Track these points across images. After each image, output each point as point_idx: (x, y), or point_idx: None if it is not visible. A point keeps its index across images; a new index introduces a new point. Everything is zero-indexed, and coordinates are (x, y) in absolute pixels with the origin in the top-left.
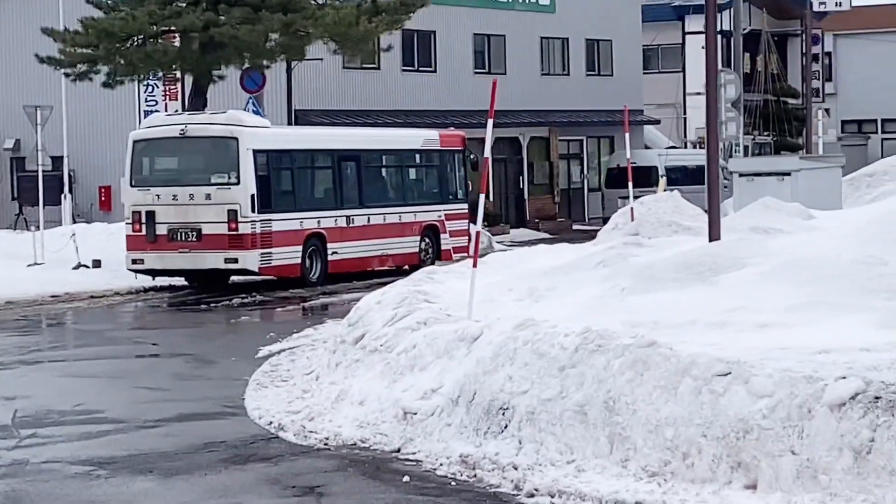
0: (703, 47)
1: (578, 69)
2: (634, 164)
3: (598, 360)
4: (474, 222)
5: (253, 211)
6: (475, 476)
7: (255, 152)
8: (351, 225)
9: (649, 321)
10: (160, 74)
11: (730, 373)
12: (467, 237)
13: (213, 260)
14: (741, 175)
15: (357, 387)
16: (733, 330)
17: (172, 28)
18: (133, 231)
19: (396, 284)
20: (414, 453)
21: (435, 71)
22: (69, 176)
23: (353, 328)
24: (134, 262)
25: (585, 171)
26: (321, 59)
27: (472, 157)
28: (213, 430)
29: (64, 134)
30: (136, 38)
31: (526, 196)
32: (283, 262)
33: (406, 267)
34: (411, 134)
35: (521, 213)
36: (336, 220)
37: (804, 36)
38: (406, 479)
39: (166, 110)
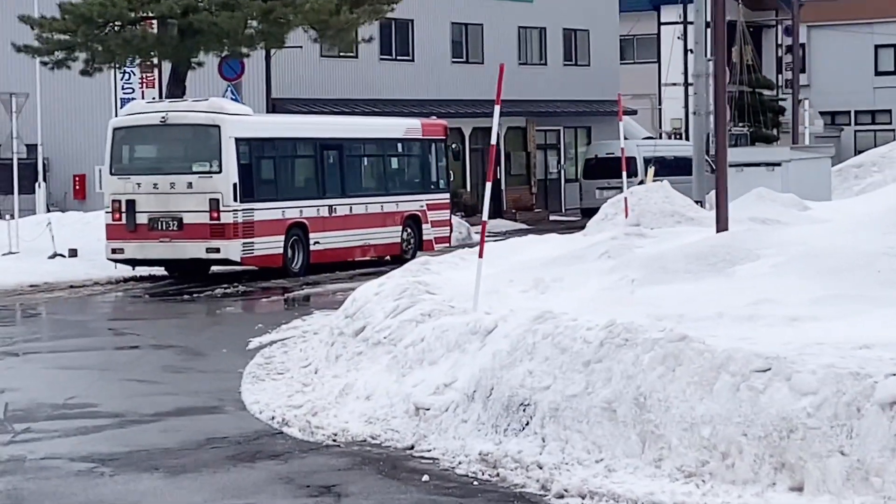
0: (679, 37)
1: (556, 59)
2: (613, 155)
3: (625, 354)
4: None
5: (235, 200)
6: (498, 475)
7: (238, 140)
8: (333, 214)
9: (674, 314)
10: (138, 61)
11: (769, 369)
12: (448, 227)
13: (194, 250)
14: (730, 165)
15: (362, 381)
16: (763, 324)
17: (151, 14)
18: (113, 220)
19: (393, 275)
20: (429, 451)
21: (413, 60)
22: (43, 164)
23: (351, 320)
24: (114, 251)
25: (562, 162)
26: (300, 47)
27: (453, 146)
28: (213, 425)
29: (38, 122)
30: (114, 24)
31: (503, 186)
32: (265, 252)
33: (388, 257)
34: (393, 123)
35: (498, 203)
36: (318, 210)
37: (779, 27)
38: (426, 478)
39: (143, 98)
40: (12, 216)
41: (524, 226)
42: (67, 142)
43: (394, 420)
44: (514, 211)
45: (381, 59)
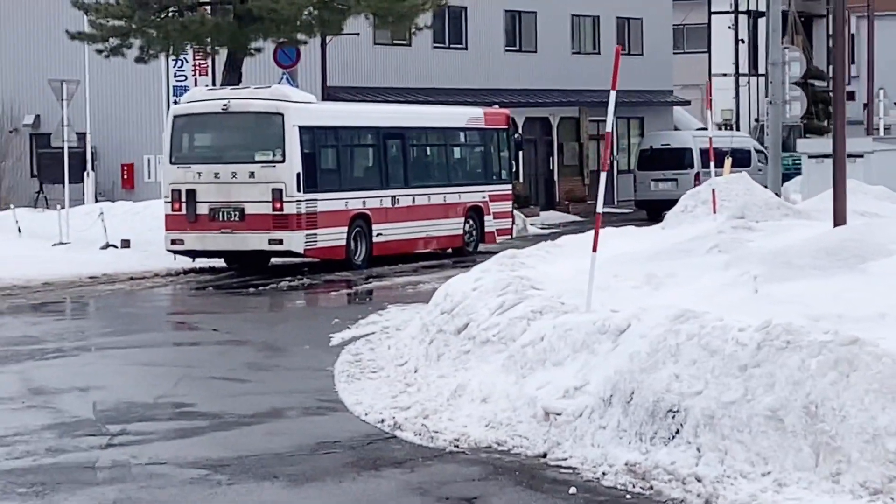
0: (729, 27)
1: (609, 48)
2: (668, 146)
3: (789, 358)
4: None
5: (298, 190)
6: (651, 488)
7: (301, 129)
8: (396, 205)
9: (831, 314)
10: (193, 48)
11: None
12: (511, 219)
13: (256, 241)
14: (810, 157)
15: (476, 381)
16: None
17: None
18: (172, 210)
19: (488, 269)
20: (565, 459)
21: (466, 48)
22: (91, 153)
23: (451, 316)
24: (173, 242)
25: (615, 153)
26: (357, 34)
27: (516, 135)
28: (319, 428)
29: (87, 110)
30: (170, 10)
31: (556, 178)
32: (329, 243)
33: (449, 250)
34: (456, 111)
35: (551, 195)
36: (381, 201)
37: (830, 17)
38: (573, 490)
39: (196, 86)
40: (62, 206)
41: (577, 217)
42: (115, 130)
43: (519, 425)
44: (566, 202)
45: (435, 47)
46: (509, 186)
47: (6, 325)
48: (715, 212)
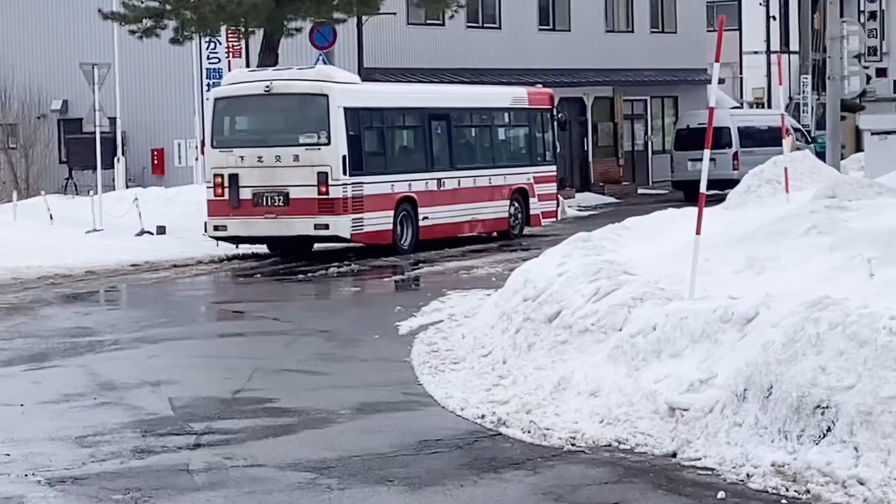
0: (760, 3)
1: (643, 26)
2: (704, 126)
3: None
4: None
5: (344, 173)
6: (808, 492)
7: (346, 110)
8: (442, 188)
9: None
10: (226, 29)
11: None
12: (556, 201)
13: (301, 226)
14: (873, 133)
15: (580, 374)
16: None
17: None
18: (215, 196)
19: (568, 253)
20: (698, 459)
21: (499, 28)
22: (121, 138)
23: (538, 304)
24: (216, 228)
25: (649, 133)
26: (395, 14)
27: (560, 115)
28: (416, 425)
29: (116, 94)
30: None
31: (590, 159)
32: (375, 227)
33: (494, 234)
34: (500, 91)
35: (586, 176)
36: (427, 184)
37: None
38: (721, 495)
39: (229, 68)
40: (94, 192)
41: (613, 199)
42: (145, 115)
43: (640, 422)
44: (601, 184)
45: (468, 26)
46: (554, 168)
47: (56, 316)
48: (788, 191)
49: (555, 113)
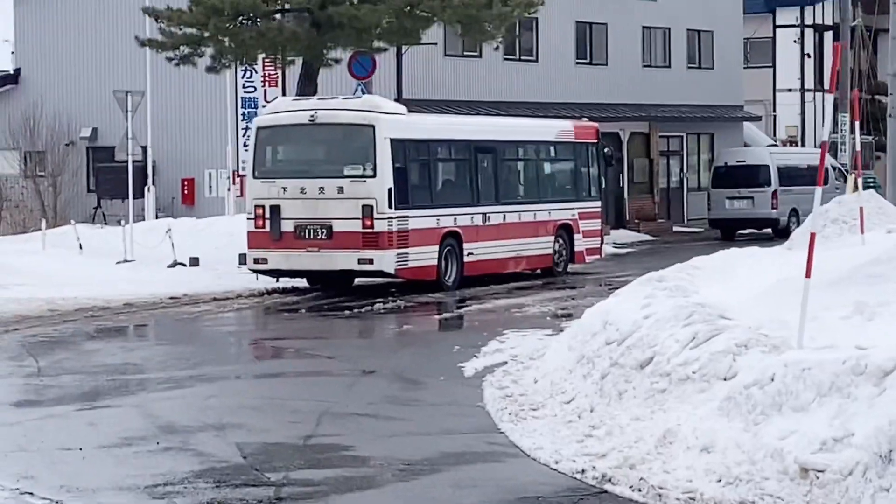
0: (795, 41)
1: (679, 61)
2: (744, 163)
3: None
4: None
5: (390, 207)
6: None
7: (393, 141)
8: (487, 223)
9: None
10: (266, 57)
11: None
12: (600, 238)
13: (344, 260)
14: None
15: (687, 426)
16: None
17: (288, 6)
18: (255, 227)
19: (652, 294)
20: None
21: (537, 60)
22: (152, 167)
23: (626, 348)
24: (256, 261)
25: (685, 170)
26: (435, 44)
27: (606, 150)
28: (509, 478)
29: (147, 123)
30: (246, 17)
31: (626, 195)
32: (420, 263)
33: (538, 270)
34: (546, 124)
35: (621, 213)
36: (472, 218)
37: None
38: None
39: (265, 98)
40: (125, 222)
41: (648, 237)
42: (175, 144)
43: (766, 482)
44: (636, 221)
45: (506, 59)
46: (599, 204)
47: (101, 351)
48: (863, 232)
49: (600, 147)
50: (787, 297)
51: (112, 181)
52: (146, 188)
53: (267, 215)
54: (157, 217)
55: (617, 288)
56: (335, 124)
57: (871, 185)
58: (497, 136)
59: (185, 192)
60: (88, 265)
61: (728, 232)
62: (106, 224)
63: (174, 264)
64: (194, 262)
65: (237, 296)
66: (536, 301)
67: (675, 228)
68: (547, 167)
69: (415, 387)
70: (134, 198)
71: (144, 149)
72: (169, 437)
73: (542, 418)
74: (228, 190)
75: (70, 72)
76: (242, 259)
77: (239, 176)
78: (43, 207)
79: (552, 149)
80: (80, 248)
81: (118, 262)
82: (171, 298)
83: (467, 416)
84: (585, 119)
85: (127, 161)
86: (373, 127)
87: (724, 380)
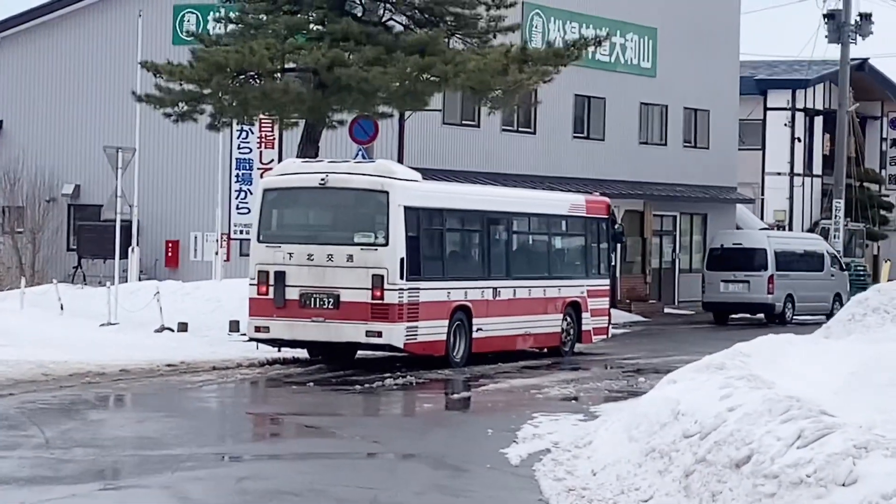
0: (786, 124)
1: (676, 139)
2: (741, 246)
3: None
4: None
5: (402, 277)
6: None
7: (406, 209)
8: (497, 298)
9: None
10: (259, 119)
11: None
12: (607, 318)
13: (352, 332)
14: None
15: None
16: None
17: (296, 65)
18: (258, 294)
19: (731, 384)
20: None
21: (534, 132)
22: (137, 227)
23: (715, 444)
24: (257, 329)
25: (677, 250)
26: (440, 110)
27: (616, 226)
28: None
29: (135, 181)
30: (250, 76)
31: (618, 274)
32: (429, 338)
33: (545, 350)
34: (558, 197)
35: (612, 292)
36: (483, 292)
37: (885, 119)
38: None
39: (261, 160)
40: (111, 283)
41: (640, 317)
42: (161, 204)
43: None
44: (628, 301)
45: (503, 129)
46: (607, 281)
47: (109, 422)
48: None
49: (611, 223)
50: (884, 393)
51: (94, 240)
52: (130, 249)
53: (271, 282)
54: (139, 279)
55: (627, 371)
56: (347, 189)
57: (861, 273)
58: (510, 207)
59: (170, 254)
60: (71, 327)
61: (721, 316)
62: (86, 284)
63: (161, 329)
64: (182, 327)
65: (237, 365)
66: (553, 382)
67: (667, 310)
68: (558, 242)
69: (461, 475)
70: (119, 258)
71: (131, 208)
72: None
73: None
74: (216, 254)
75: (54, 126)
76: (234, 326)
77: (230, 239)
78: (21, 265)
79: (564, 223)
80: (62, 308)
81: (101, 325)
82: (169, 366)
83: None
84: (597, 193)
85: (114, 220)
86: (387, 193)
87: (843, 485)
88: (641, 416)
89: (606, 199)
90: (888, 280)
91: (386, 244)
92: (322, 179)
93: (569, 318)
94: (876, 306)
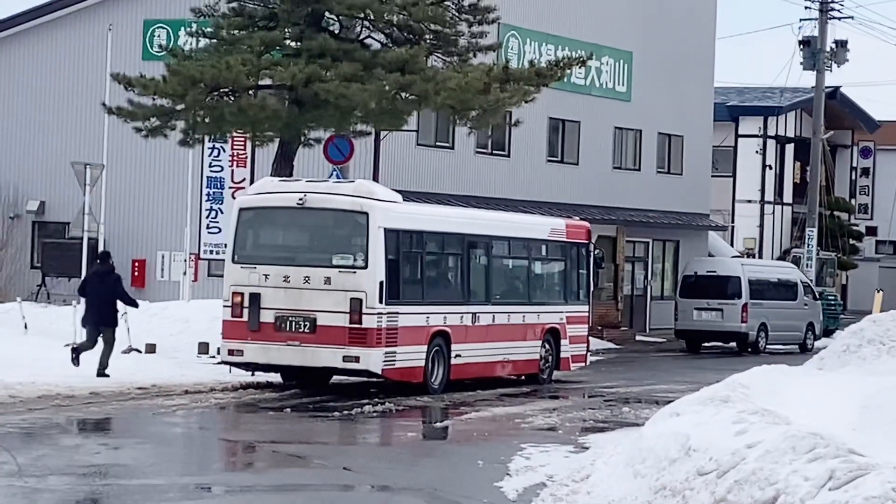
0: (757, 151)
1: (650, 165)
2: (715, 273)
3: None
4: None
5: (380, 301)
6: None
7: (387, 231)
8: (476, 323)
9: None
10: (231, 136)
11: None
12: (586, 345)
13: (328, 357)
14: None
15: None
16: None
17: (272, 81)
18: (232, 316)
19: (748, 420)
20: None
21: (508, 155)
22: (104, 245)
23: (735, 483)
24: (231, 352)
25: (649, 277)
26: (416, 131)
27: (596, 252)
28: None
29: (102, 198)
30: (224, 91)
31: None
32: (407, 364)
33: (523, 377)
34: (539, 221)
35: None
36: (462, 318)
37: (855, 148)
38: None
39: (233, 178)
40: (76, 302)
41: (612, 345)
42: (128, 222)
43: None
44: (599, 328)
45: (477, 152)
46: (586, 308)
47: (84, 448)
48: None
49: (591, 248)
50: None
51: (59, 258)
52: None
53: (245, 304)
54: None
55: (609, 400)
56: (326, 209)
57: (832, 302)
58: (491, 230)
59: (136, 273)
60: (37, 346)
61: (694, 344)
62: (50, 303)
63: (129, 350)
64: (150, 348)
65: (210, 389)
66: (535, 411)
67: (639, 337)
68: (538, 266)
69: None
70: (80, 277)
71: (98, 226)
72: None
73: None
74: (184, 274)
75: (19, 141)
76: (203, 348)
77: (199, 259)
78: None
79: (544, 247)
80: (26, 327)
81: (67, 345)
82: (140, 389)
83: None
84: (577, 218)
85: (80, 238)
86: (366, 214)
87: None
88: (647, 450)
89: (587, 223)
90: (880, 311)
91: (365, 267)
92: (300, 199)
93: (547, 346)
94: (871, 337)
